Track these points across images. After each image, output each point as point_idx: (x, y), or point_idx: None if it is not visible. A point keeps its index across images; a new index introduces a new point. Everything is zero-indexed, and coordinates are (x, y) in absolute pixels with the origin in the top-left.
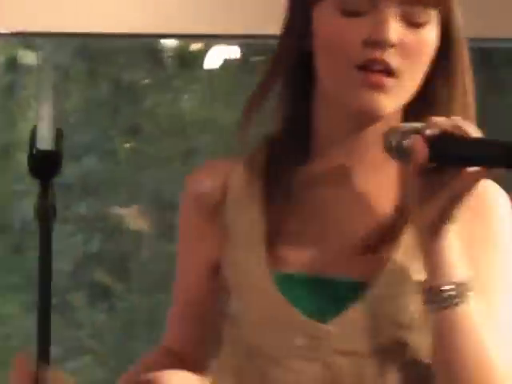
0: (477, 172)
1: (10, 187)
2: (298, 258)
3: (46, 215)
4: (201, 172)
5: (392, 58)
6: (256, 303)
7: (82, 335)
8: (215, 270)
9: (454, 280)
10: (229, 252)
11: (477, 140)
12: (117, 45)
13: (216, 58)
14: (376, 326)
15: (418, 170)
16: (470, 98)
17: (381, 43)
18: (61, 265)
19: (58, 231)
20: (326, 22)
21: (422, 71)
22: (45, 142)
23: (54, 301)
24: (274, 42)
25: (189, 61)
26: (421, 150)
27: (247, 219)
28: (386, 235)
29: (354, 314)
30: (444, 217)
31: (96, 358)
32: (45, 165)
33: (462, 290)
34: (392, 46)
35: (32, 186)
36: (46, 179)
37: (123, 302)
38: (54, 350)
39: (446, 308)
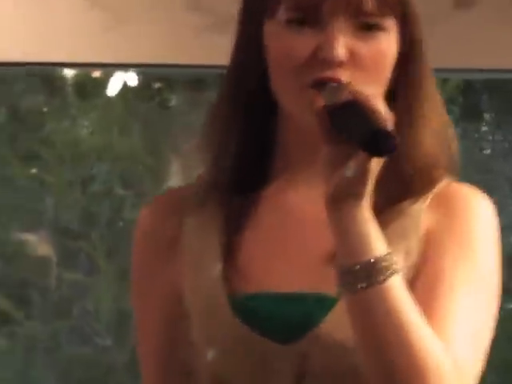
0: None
1: None
2: (260, 278)
3: None
4: (150, 208)
5: (343, 74)
6: (214, 331)
7: None
8: (180, 300)
9: (363, 258)
10: (188, 278)
11: (364, 117)
12: (14, 72)
13: (114, 85)
14: (347, 342)
15: (323, 137)
16: (434, 104)
17: (329, 62)
18: None
19: None
20: (275, 37)
21: (380, 82)
22: None
23: None
24: (169, 71)
25: (87, 89)
26: (321, 116)
27: (204, 243)
28: None
29: (325, 329)
30: (347, 191)
31: None
32: None
33: (373, 268)
34: (341, 63)
35: None
36: None
37: (23, 329)
38: None
39: (360, 289)
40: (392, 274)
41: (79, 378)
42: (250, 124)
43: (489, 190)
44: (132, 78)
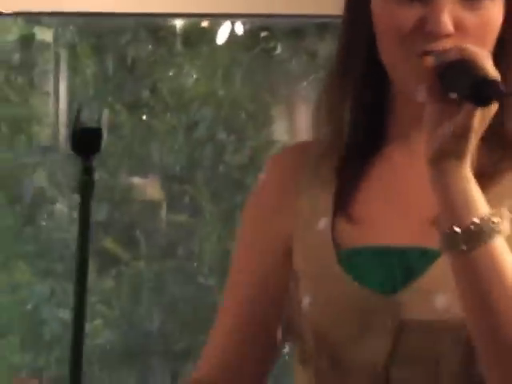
0: (471, 107)
1: (21, 160)
2: (367, 231)
3: (87, 191)
4: (281, 154)
5: (450, 45)
6: (320, 281)
7: (92, 301)
8: (289, 252)
9: (465, 220)
10: (297, 233)
11: (471, 71)
12: (122, 23)
13: (221, 35)
14: (447, 297)
15: (428, 96)
16: None
17: (436, 34)
18: (71, 233)
19: (68, 201)
20: (381, 10)
21: (486, 48)
22: (69, 118)
23: (64, 267)
24: (272, 21)
25: (193, 38)
26: (429, 77)
27: (316, 202)
28: None
29: (425, 282)
30: (449, 149)
31: (106, 322)
32: (87, 142)
33: (475, 230)
34: (447, 35)
35: (42, 158)
36: (88, 156)
37: (130, 269)
38: (66, 315)
39: (462, 251)
40: (494, 235)
41: (183, 316)
42: (364, 94)
43: None
44: (238, 28)
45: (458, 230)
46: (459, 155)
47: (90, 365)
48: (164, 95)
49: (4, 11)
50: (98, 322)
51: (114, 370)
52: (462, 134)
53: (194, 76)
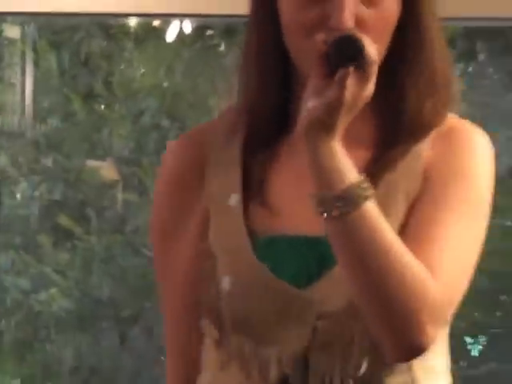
0: (341, 73)
1: None
2: (281, 219)
3: None
4: (177, 146)
5: None
6: (233, 273)
7: (48, 271)
8: (205, 234)
9: (344, 185)
10: (212, 219)
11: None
12: (79, 21)
13: (169, 33)
14: None
15: (315, 74)
16: (443, 79)
17: (339, 29)
18: (30, 210)
19: (26, 182)
20: (287, 7)
21: (382, 41)
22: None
23: (21, 240)
24: (217, 20)
25: (143, 36)
26: (318, 60)
27: (228, 184)
28: None
29: (338, 271)
30: (320, 121)
31: (61, 291)
32: None
33: (354, 192)
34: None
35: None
36: None
37: (83, 243)
38: (26, 284)
39: (346, 215)
40: (364, 200)
41: (131, 285)
42: (273, 79)
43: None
44: (186, 27)
45: (329, 196)
46: (329, 128)
47: (47, 329)
48: (114, 87)
49: None
50: (54, 290)
51: (69, 334)
52: (334, 106)
53: (142, 70)
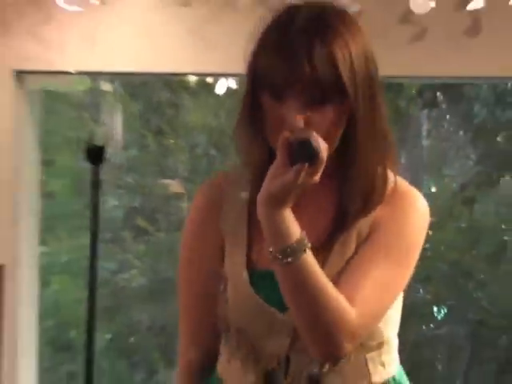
0: (298, 167)
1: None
2: (267, 259)
3: (96, 189)
4: (205, 187)
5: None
6: (235, 297)
7: (129, 257)
8: (222, 260)
9: (287, 243)
10: (226, 250)
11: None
12: (151, 78)
13: (219, 87)
14: None
15: (278, 156)
16: (377, 139)
17: (291, 129)
18: (117, 214)
19: (114, 193)
20: (265, 106)
21: (332, 138)
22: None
23: (111, 235)
24: None
25: (199, 89)
26: (281, 149)
27: (236, 229)
28: (331, 234)
29: None
30: (276, 196)
31: (139, 272)
32: (96, 155)
33: (294, 248)
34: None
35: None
36: (97, 164)
37: (155, 238)
38: (113, 266)
39: (287, 265)
40: (303, 253)
41: None
42: (259, 144)
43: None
44: (232, 83)
45: (276, 251)
46: (282, 201)
47: (129, 299)
48: (176, 126)
49: (73, 70)
50: (134, 271)
51: (145, 303)
52: (288, 188)
53: (196, 114)
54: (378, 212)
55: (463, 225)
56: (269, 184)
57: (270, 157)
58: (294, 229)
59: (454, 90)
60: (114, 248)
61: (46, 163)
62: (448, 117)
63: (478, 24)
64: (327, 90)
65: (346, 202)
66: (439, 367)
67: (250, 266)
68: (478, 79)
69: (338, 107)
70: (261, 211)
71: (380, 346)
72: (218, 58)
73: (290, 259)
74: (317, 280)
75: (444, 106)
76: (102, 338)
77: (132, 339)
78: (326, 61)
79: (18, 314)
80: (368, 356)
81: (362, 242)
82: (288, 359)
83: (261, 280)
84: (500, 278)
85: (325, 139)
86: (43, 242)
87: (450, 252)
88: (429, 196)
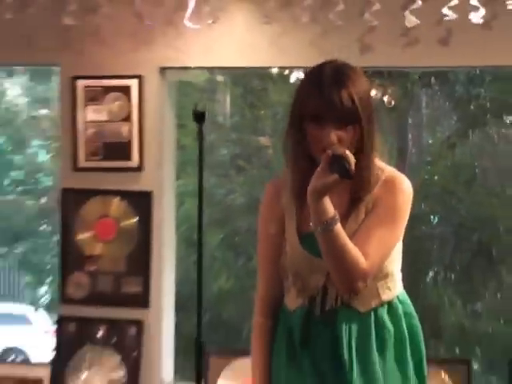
0: (335, 176)
1: None
2: (309, 227)
3: (200, 139)
4: (271, 185)
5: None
6: (291, 251)
7: (234, 186)
8: (283, 228)
9: (325, 219)
10: (286, 225)
11: (337, 161)
12: (246, 71)
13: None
14: None
15: (322, 164)
16: (372, 156)
17: (329, 145)
18: (225, 158)
19: (224, 145)
20: (308, 129)
21: (350, 147)
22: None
23: (222, 171)
24: None
25: (278, 78)
26: (324, 160)
27: (290, 210)
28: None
29: None
30: (320, 189)
31: (240, 195)
32: (200, 117)
33: (330, 222)
34: (335, 144)
35: None
36: (201, 123)
37: (249, 173)
38: (223, 191)
39: (325, 232)
40: (335, 225)
41: None
42: (303, 164)
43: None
44: (301, 75)
45: (319, 224)
46: (322, 193)
47: (234, 212)
48: (264, 102)
49: (196, 66)
50: (237, 194)
51: (244, 215)
52: (326, 186)
53: (276, 94)
54: (377, 192)
55: (448, 163)
56: (315, 182)
57: (308, 164)
58: (330, 209)
59: (442, 76)
60: (224, 180)
61: (180, 126)
62: (438, 93)
63: (450, 32)
64: (349, 117)
65: (356, 188)
66: (434, 253)
67: (299, 230)
68: (456, 68)
69: (354, 127)
70: (310, 199)
71: (386, 276)
72: (290, 57)
73: (327, 229)
74: (343, 241)
75: (436, 86)
76: (217, 237)
77: (236, 238)
78: (347, 99)
79: (163, 224)
80: (378, 284)
81: (368, 213)
82: (326, 288)
83: (305, 239)
84: (472, 196)
85: (347, 148)
86: (178, 177)
87: (440, 180)
88: (427, 145)
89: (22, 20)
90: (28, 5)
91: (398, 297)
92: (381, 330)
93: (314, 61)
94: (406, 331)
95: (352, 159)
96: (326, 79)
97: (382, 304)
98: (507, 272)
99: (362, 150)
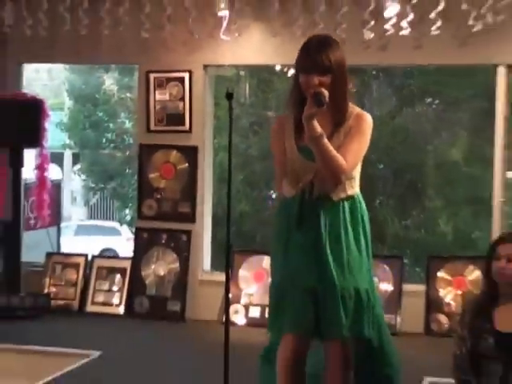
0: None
1: None
2: (304, 142)
3: (230, 111)
4: (278, 119)
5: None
6: (289, 158)
7: (251, 140)
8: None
9: (315, 134)
10: (286, 143)
11: (317, 95)
12: (259, 67)
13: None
14: None
15: (309, 101)
16: (346, 98)
17: (313, 87)
18: (245, 124)
19: (245, 116)
20: (299, 77)
21: (328, 90)
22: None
23: (242, 132)
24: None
25: (279, 72)
26: (309, 96)
27: (290, 133)
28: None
29: None
30: (309, 116)
31: (255, 149)
32: (229, 96)
33: (318, 137)
34: (317, 85)
35: None
36: (230, 100)
37: (262, 132)
38: (245, 146)
39: (316, 143)
40: (323, 138)
41: None
42: (300, 104)
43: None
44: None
45: (312, 137)
46: (311, 117)
47: (251, 159)
48: (270, 89)
49: (227, 64)
50: (252, 146)
51: (258, 163)
52: (313, 113)
53: (278, 84)
54: (351, 123)
55: (390, 128)
56: (306, 112)
57: (301, 102)
58: (318, 129)
59: (386, 71)
60: (245, 139)
61: (216, 104)
62: (384, 83)
63: (389, 41)
64: (326, 70)
65: (337, 119)
66: (380, 187)
67: (297, 144)
68: (394, 65)
69: (330, 76)
70: (304, 122)
71: (351, 178)
72: (288, 58)
73: (317, 140)
74: (330, 149)
75: (382, 78)
76: (239, 177)
77: (252, 178)
78: (325, 57)
79: (205, 168)
80: (346, 182)
81: (346, 135)
82: (312, 184)
83: (301, 149)
84: (405, 149)
85: (327, 89)
86: (214, 137)
87: (384, 139)
88: (377, 117)
89: (115, 34)
90: (118, 24)
91: (358, 196)
92: (345, 214)
93: None
94: (360, 219)
95: (326, 94)
96: (312, 46)
97: (347, 197)
98: (428, 200)
99: (337, 92)
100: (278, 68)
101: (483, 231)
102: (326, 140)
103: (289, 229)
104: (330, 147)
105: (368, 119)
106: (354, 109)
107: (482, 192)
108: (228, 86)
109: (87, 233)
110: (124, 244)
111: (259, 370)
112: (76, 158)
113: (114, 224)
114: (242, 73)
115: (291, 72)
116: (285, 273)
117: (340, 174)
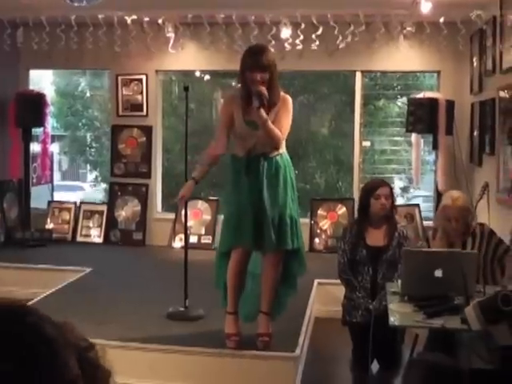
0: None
1: None
2: (251, 115)
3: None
4: (227, 97)
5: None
6: (238, 128)
7: None
8: (233, 121)
9: (263, 120)
10: (235, 117)
11: (257, 94)
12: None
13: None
14: None
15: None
16: (278, 88)
17: (256, 82)
18: None
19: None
20: (246, 74)
21: (267, 84)
22: None
23: None
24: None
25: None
26: (254, 93)
27: (239, 109)
28: None
29: None
30: (257, 108)
31: None
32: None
33: (265, 120)
34: (259, 80)
35: None
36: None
37: None
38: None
39: (264, 124)
40: (267, 120)
41: None
42: (247, 95)
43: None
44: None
45: (260, 121)
46: (258, 110)
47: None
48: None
49: (171, 69)
50: None
51: None
52: (258, 108)
53: None
54: (280, 104)
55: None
56: (254, 106)
57: (248, 93)
58: (264, 115)
59: (282, 74)
60: (181, 120)
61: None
62: (279, 82)
63: (337, 48)
64: (265, 68)
65: (272, 102)
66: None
67: (244, 118)
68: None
69: (268, 74)
70: (254, 111)
71: (278, 148)
72: (214, 65)
73: (264, 123)
74: (271, 128)
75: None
76: (183, 146)
77: (194, 147)
78: (264, 59)
79: (156, 141)
80: (275, 151)
81: (277, 113)
82: (256, 147)
83: (247, 122)
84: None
85: (265, 84)
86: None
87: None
88: None
89: (95, 48)
90: (98, 41)
91: (285, 153)
92: (277, 166)
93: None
94: (287, 168)
95: (266, 95)
96: (254, 50)
97: (278, 154)
98: (307, 162)
99: (272, 84)
100: (197, 74)
101: (344, 182)
102: (269, 122)
103: (240, 176)
104: (272, 126)
105: (290, 101)
106: (281, 93)
107: (342, 156)
108: (184, 82)
109: (63, 189)
110: (89, 196)
111: (217, 260)
112: (60, 137)
113: (80, 183)
114: (173, 77)
115: (207, 77)
116: (237, 206)
117: (279, 141)
